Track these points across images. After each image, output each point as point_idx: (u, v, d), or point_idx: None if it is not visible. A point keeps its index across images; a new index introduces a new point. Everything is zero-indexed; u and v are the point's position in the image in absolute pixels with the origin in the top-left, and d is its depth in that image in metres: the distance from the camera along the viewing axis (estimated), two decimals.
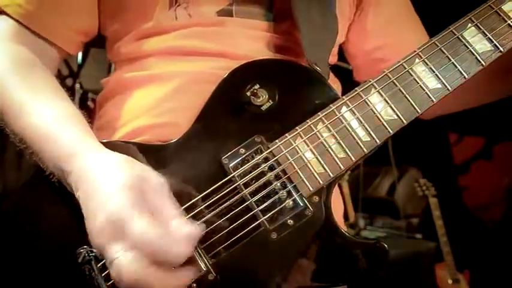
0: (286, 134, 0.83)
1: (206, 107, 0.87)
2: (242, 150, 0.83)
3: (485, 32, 0.85)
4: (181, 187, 0.81)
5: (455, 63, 0.84)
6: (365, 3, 1.12)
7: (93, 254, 0.77)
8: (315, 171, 0.81)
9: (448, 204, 3.47)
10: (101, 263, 0.77)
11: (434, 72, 0.84)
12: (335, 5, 1.01)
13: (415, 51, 0.86)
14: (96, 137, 0.82)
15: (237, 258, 0.79)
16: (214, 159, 0.83)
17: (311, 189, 0.81)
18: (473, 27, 0.85)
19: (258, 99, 0.85)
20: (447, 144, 4.41)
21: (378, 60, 1.13)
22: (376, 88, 0.84)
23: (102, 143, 0.81)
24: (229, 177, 0.81)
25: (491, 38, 0.84)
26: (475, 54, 0.84)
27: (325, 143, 0.82)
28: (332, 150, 0.82)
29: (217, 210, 0.80)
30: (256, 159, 0.82)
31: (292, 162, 0.82)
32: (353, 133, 0.83)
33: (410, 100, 0.84)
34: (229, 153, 0.83)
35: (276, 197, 0.80)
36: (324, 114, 0.84)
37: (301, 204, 0.81)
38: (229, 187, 0.81)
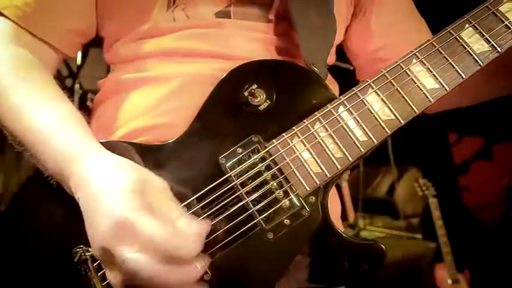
0: (283, 134, 0.83)
1: (204, 107, 0.87)
2: (239, 150, 0.83)
3: (483, 32, 0.85)
4: (179, 186, 0.80)
5: (452, 63, 0.84)
6: (368, 3, 1.12)
7: (89, 253, 0.77)
8: (312, 171, 0.81)
9: (447, 204, 3.47)
10: (96, 263, 0.77)
11: (431, 72, 0.84)
12: (333, 6, 1.00)
13: (412, 51, 0.86)
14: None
15: (233, 258, 0.79)
16: (211, 158, 0.83)
17: (308, 189, 0.81)
18: (470, 28, 0.85)
19: (256, 99, 0.85)
20: (447, 144, 4.40)
21: (381, 60, 1.13)
22: (373, 88, 0.84)
23: (100, 143, 0.81)
24: (225, 176, 0.81)
25: (488, 38, 0.85)
26: (473, 54, 0.84)
27: (322, 142, 0.82)
28: (329, 150, 0.82)
29: (213, 209, 0.80)
30: (253, 158, 0.82)
31: (289, 161, 0.82)
32: (350, 133, 0.83)
33: (408, 100, 0.84)
34: (226, 153, 0.83)
35: (273, 196, 0.80)
36: (321, 114, 0.84)
37: (298, 204, 0.80)
38: (226, 187, 0.81)
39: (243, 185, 0.81)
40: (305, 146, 0.82)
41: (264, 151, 0.82)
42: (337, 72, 1.12)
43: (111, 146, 0.81)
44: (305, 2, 0.96)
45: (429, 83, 0.84)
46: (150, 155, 0.84)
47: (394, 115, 0.83)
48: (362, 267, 0.82)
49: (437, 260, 3.23)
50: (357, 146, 0.82)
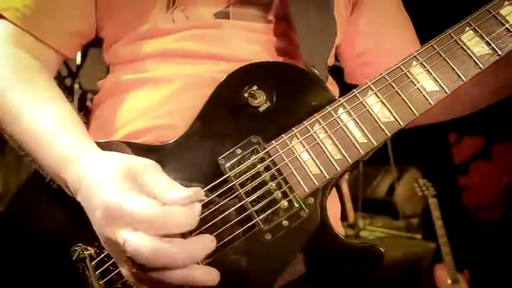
0: (283, 135, 0.83)
1: (204, 108, 0.87)
2: (239, 151, 0.83)
3: (483, 35, 0.85)
4: None
5: (453, 66, 0.84)
6: (361, 3, 1.12)
7: (88, 252, 0.77)
8: (311, 172, 0.81)
9: (447, 204, 3.47)
10: (94, 261, 0.77)
11: (431, 74, 0.84)
12: (333, 7, 1.00)
13: (412, 53, 0.86)
14: (93, 138, 0.82)
15: (231, 258, 0.79)
16: (211, 159, 0.83)
17: (306, 190, 0.81)
18: (471, 31, 0.85)
19: (256, 100, 0.85)
20: (447, 144, 4.41)
21: (366, 63, 1.13)
22: (373, 90, 0.85)
23: (100, 143, 0.82)
24: (225, 177, 0.81)
25: (489, 41, 0.84)
26: (473, 57, 0.84)
27: (321, 144, 0.83)
28: (328, 151, 0.82)
29: (212, 209, 0.80)
30: (252, 159, 0.82)
31: (288, 162, 0.82)
32: (349, 135, 0.83)
33: (408, 102, 0.84)
34: (225, 154, 0.83)
35: (271, 197, 0.81)
36: (320, 115, 0.84)
37: (296, 205, 0.81)
38: (225, 187, 0.81)
39: (242, 185, 0.81)
40: (304, 147, 0.82)
41: (263, 152, 0.82)
42: (337, 73, 1.12)
43: (110, 146, 0.81)
44: (305, 3, 0.96)
45: (429, 86, 0.84)
46: (149, 155, 0.83)
47: (394, 117, 0.83)
48: (360, 270, 0.82)
49: (437, 260, 3.23)
50: (356, 147, 0.82)
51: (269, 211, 0.80)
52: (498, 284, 3.58)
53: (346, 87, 0.98)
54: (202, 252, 0.67)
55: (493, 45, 0.84)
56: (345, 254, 0.82)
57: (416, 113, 0.83)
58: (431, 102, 0.84)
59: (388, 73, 0.85)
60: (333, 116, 0.84)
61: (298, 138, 0.83)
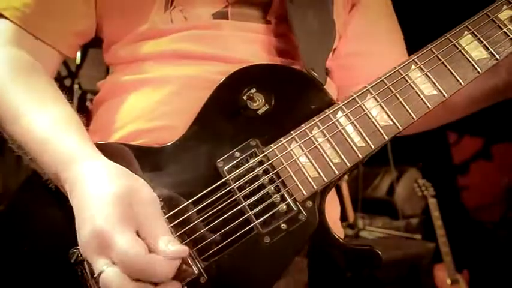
0: (281, 138, 0.83)
1: (203, 110, 0.87)
2: (237, 154, 0.83)
3: (481, 39, 0.85)
4: (176, 189, 0.81)
5: (451, 70, 0.84)
6: (358, 5, 1.11)
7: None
8: (309, 175, 0.81)
9: (447, 204, 3.47)
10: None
11: (430, 78, 0.84)
12: (332, 10, 1.00)
13: (411, 57, 0.86)
14: (92, 139, 0.82)
15: (230, 262, 0.79)
16: (209, 162, 0.83)
17: (305, 193, 0.81)
18: (469, 35, 0.85)
19: (254, 103, 0.85)
20: (446, 144, 4.40)
21: (348, 67, 1.11)
22: (371, 94, 0.85)
23: (99, 144, 0.82)
24: (223, 180, 0.81)
25: (487, 45, 0.85)
26: (471, 61, 0.84)
27: (320, 147, 0.83)
28: (327, 155, 0.82)
29: (210, 213, 0.80)
30: (250, 162, 0.82)
31: (287, 166, 0.82)
32: (348, 138, 0.83)
33: (406, 106, 0.84)
34: (224, 157, 0.83)
35: (270, 201, 0.81)
36: (319, 119, 0.84)
37: (295, 209, 0.81)
38: (223, 190, 0.81)
39: (240, 188, 0.81)
40: (303, 150, 0.82)
41: (262, 155, 0.82)
42: None
43: (108, 148, 0.82)
44: (304, 5, 0.96)
45: (427, 90, 0.84)
46: (147, 157, 0.84)
47: (392, 121, 0.83)
48: (358, 272, 0.82)
49: (437, 260, 3.23)
50: (355, 151, 0.82)
51: (267, 214, 0.80)
52: (497, 284, 3.58)
53: None
54: None
55: (491, 49, 0.84)
56: (343, 257, 0.82)
57: (414, 116, 0.83)
58: (430, 106, 0.84)
59: (386, 77, 0.85)
60: (332, 120, 0.84)
61: (296, 142, 0.83)
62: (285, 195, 0.81)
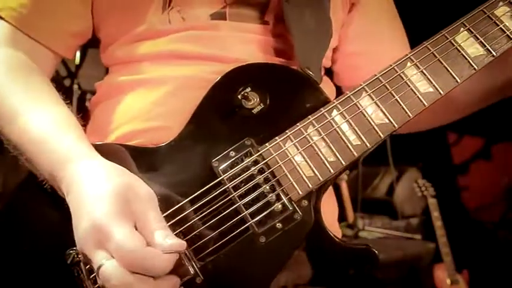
0: (276, 137, 0.83)
1: (198, 109, 0.86)
2: (232, 153, 0.83)
3: (478, 36, 0.84)
4: (171, 189, 0.81)
5: (447, 67, 0.84)
6: (358, 4, 1.11)
7: (81, 256, 0.77)
8: (304, 174, 0.81)
9: (447, 204, 3.47)
10: (89, 265, 0.77)
11: (426, 76, 0.84)
12: (329, 9, 1.00)
13: (406, 54, 0.85)
14: (89, 140, 0.82)
15: (225, 262, 0.79)
16: (204, 162, 0.83)
17: (300, 192, 0.80)
18: (465, 32, 0.85)
19: (249, 102, 0.85)
20: (446, 144, 4.40)
21: (353, 67, 1.12)
22: (367, 91, 0.84)
23: (95, 145, 0.82)
24: (218, 179, 0.81)
25: (483, 42, 0.84)
26: (467, 58, 0.84)
27: (315, 146, 0.82)
28: (322, 153, 0.82)
29: (206, 212, 0.80)
30: (245, 162, 0.82)
31: (282, 165, 0.81)
32: (343, 137, 0.82)
33: (402, 104, 0.83)
34: (219, 156, 0.83)
35: (265, 200, 0.80)
36: (314, 117, 0.84)
37: (290, 208, 0.80)
38: (219, 190, 0.81)
39: (235, 188, 0.81)
40: (298, 149, 0.82)
41: (257, 154, 0.82)
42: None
43: (105, 149, 0.81)
44: (301, 5, 0.96)
45: (423, 87, 0.83)
46: (143, 157, 0.84)
47: (388, 119, 0.83)
48: (355, 271, 0.82)
49: (437, 260, 3.23)
50: (350, 150, 0.82)
51: (263, 214, 0.80)
52: (497, 285, 3.57)
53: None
54: None
55: (487, 46, 0.84)
56: (340, 256, 0.82)
57: (410, 114, 0.83)
58: (426, 104, 0.83)
59: (382, 74, 0.85)
60: (327, 118, 0.83)
61: (291, 141, 0.82)
62: (281, 194, 0.81)
